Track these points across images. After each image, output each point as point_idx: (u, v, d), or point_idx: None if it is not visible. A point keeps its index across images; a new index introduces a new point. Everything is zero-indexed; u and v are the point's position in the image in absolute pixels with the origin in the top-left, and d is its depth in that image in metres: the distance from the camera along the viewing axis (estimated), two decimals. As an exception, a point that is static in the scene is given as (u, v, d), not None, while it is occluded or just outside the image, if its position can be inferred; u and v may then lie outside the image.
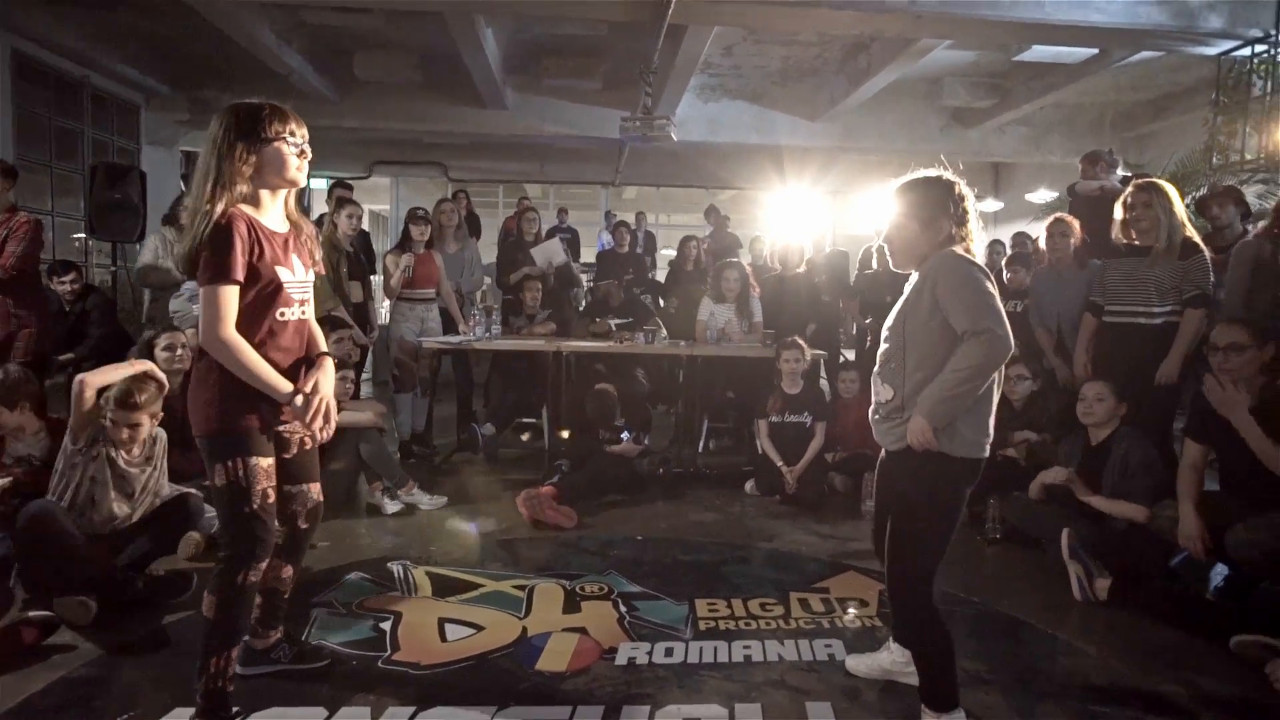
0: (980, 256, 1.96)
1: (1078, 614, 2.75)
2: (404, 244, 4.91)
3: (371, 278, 5.41)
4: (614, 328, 5.15)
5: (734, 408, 5.69)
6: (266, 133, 1.84)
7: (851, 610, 2.75)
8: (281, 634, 2.23)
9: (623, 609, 2.72)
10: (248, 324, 1.85)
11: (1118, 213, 3.63)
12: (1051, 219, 4.25)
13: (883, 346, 2.02)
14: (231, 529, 1.91)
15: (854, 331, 7.53)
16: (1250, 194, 4.98)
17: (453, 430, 5.26)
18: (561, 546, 3.40)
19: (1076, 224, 4.17)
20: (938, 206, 1.90)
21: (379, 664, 2.33)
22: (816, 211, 10.29)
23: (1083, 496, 3.17)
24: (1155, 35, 6.25)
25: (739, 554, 3.35)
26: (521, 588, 2.88)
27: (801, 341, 4.44)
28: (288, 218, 1.99)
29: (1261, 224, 3.76)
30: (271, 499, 1.92)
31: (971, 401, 1.83)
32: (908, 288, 1.98)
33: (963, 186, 1.94)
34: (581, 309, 6.61)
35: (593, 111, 9.44)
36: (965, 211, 1.92)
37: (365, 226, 5.96)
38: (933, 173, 1.96)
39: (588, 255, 9.46)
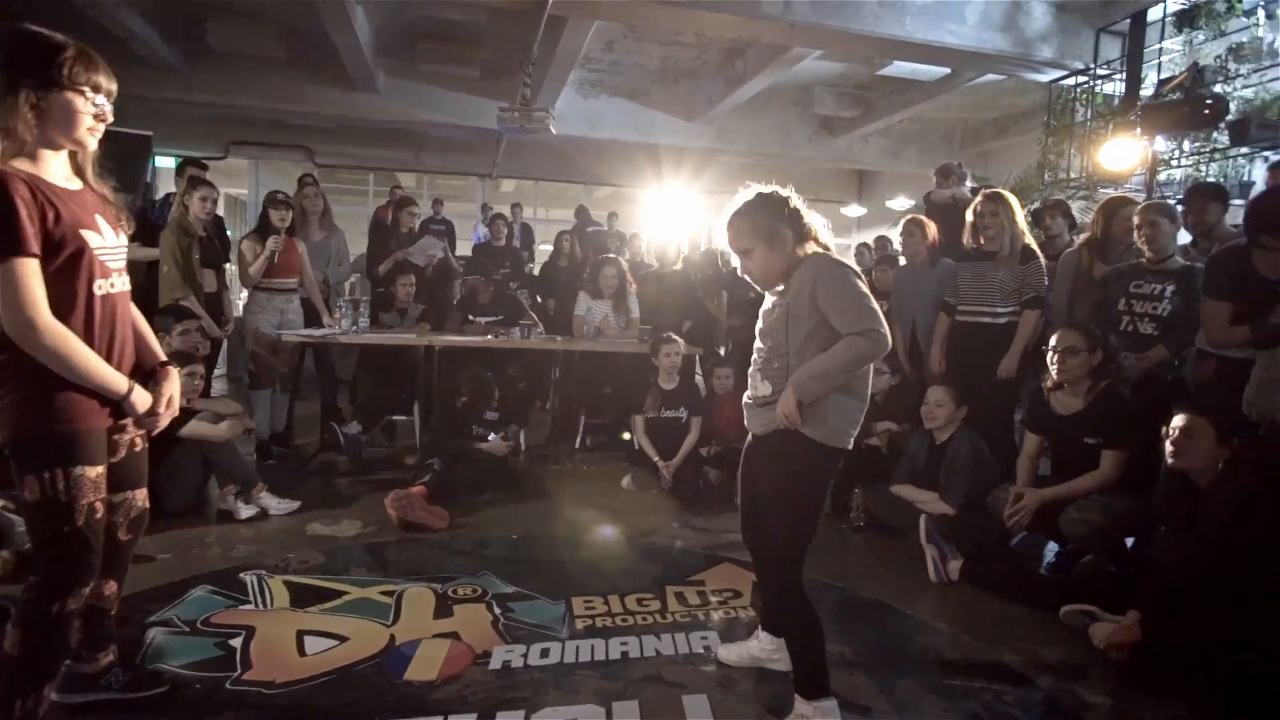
0: (833, 245, 2.04)
1: (933, 594, 2.94)
2: (262, 230, 4.56)
3: (226, 266, 4.99)
4: (485, 325, 5.02)
5: (611, 403, 5.71)
6: (61, 77, 1.54)
7: (725, 601, 2.80)
8: (113, 657, 1.99)
9: (497, 611, 2.64)
10: (56, 304, 1.56)
11: (968, 219, 3.92)
12: (907, 219, 4.52)
13: (760, 345, 2.06)
14: (48, 551, 1.64)
15: (724, 329, 7.75)
16: (1075, 208, 5.51)
17: (317, 430, 4.96)
18: (433, 548, 3.26)
19: (930, 223, 4.45)
20: (771, 221, 1.95)
21: (227, 685, 2.13)
22: (692, 211, 10.46)
23: (894, 489, 3.48)
24: (998, 60, 6.80)
25: (616, 550, 3.35)
26: (390, 593, 2.74)
27: (678, 337, 4.49)
28: (78, 176, 1.69)
29: (1082, 236, 4.15)
30: (100, 514, 1.66)
31: (838, 383, 1.90)
32: (781, 294, 2.02)
33: (779, 190, 2.01)
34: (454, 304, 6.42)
35: (470, 100, 9.18)
36: (796, 210, 1.98)
37: (220, 211, 5.52)
38: (745, 195, 2.02)
39: (464, 249, 9.20)
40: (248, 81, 8.63)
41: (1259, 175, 6.11)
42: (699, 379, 5.50)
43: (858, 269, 1.96)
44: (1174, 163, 6.05)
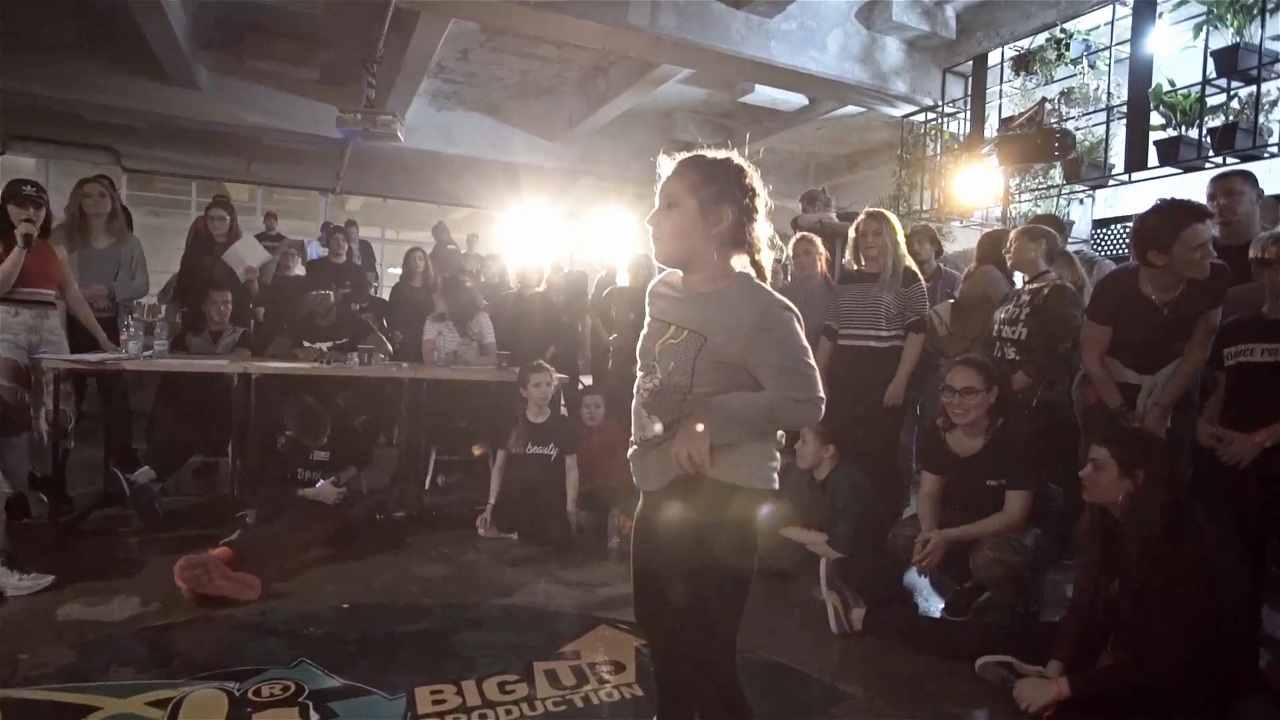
0: (768, 269, 1.63)
1: (837, 649, 2.62)
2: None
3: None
4: (325, 350, 4.33)
5: (466, 438, 5.13)
6: None
7: (605, 679, 2.34)
8: None
9: (314, 716, 2.04)
10: None
11: (850, 238, 3.76)
12: (797, 237, 4.34)
13: (648, 374, 1.62)
14: None
15: (589, 354, 7.36)
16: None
17: (100, 477, 4.04)
18: (236, 630, 2.58)
19: (820, 241, 4.28)
20: (723, 189, 1.53)
21: None
22: (554, 232, 10.08)
23: (782, 531, 3.19)
24: (857, 90, 6.93)
25: (472, 616, 2.80)
26: (162, 703, 2.06)
27: (548, 365, 4.04)
28: None
29: (970, 266, 4.12)
30: None
31: (754, 434, 1.52)
32: (691, 304, 1.60)
33: (756, 178, 1.61)
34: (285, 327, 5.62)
35: (309, 105, 8.33)
36: (754, 208, 1.57)
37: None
38: (722, 153, 1.61)
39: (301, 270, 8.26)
40: (33, 66, 7.30)
41: (1079, 214, 6.57)
42: (563, 409, 5.05)
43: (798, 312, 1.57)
44: (1018, 199, 6.34)
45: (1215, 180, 3.28)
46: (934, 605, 3.09)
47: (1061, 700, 2.05)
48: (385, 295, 7.93)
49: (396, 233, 13.00)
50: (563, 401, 5.06)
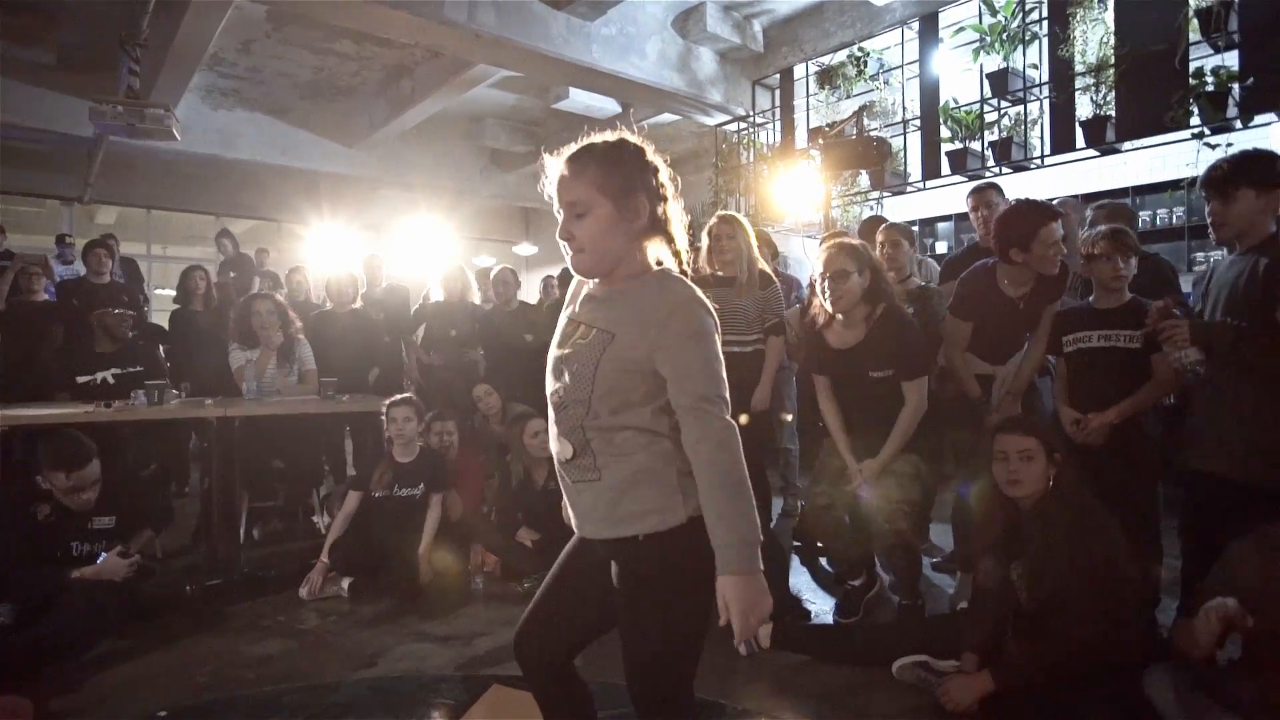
0: (685, 255, 1.45)
1: (751, 672, 2.49)
2: None
3: None
4: (112, 380, 3.55)
5: (283, 480, 4.48)
6: None
7: (515, 749, 2.03)
8: None
9: None
10: None
11: (704, 243, 3.69)
12: None
13: (557, 382, 1.38)
14: None
15: (416, 376, 6.81)
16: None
17: None
18: (5, 773, 1.94)
19: None
20: (630, 177, 1.34)
21: None
22: (358, 246, 9.25)
23: None
24: (674, 98, 7.02)
25: (335, 700, 2.33)
26: None
27: (413, 396, 3.57)
28: None
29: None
30: None
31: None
32: (598, 304, 1.39)
33: (654, 154, 1.42)
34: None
35: (45, 96, 6.97)
36: (663, 187, 1.39)
37: None
38: (612, 136, 1.40)
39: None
40: None
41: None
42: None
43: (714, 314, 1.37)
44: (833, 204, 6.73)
45: (973, 193, 3.67)
46: (823, 607, 3.07)
47: (986, 694, 2.06)
48: (157, 319, 6.81)
49: (163, 249, 11.33)
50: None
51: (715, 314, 1.35)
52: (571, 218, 1.34)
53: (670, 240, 1.40)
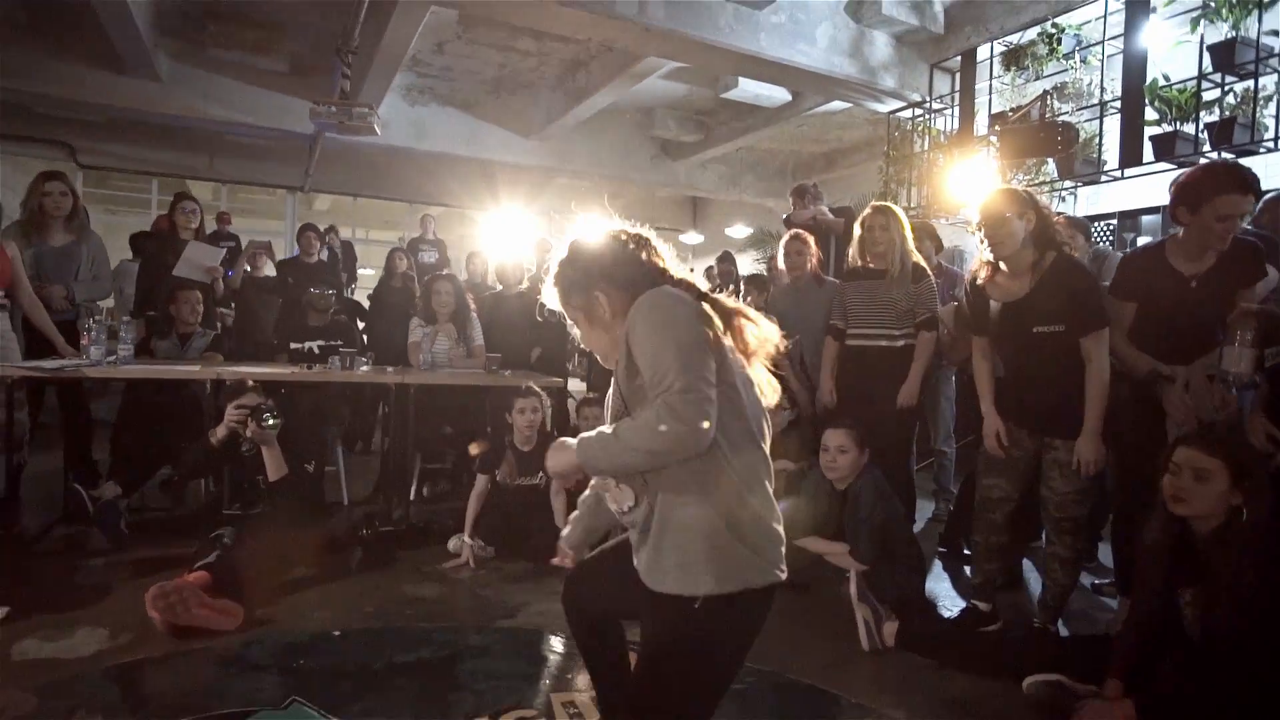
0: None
1: (870, 667, 2.46)
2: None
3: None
4: (316, 350, 4.08)
5: (452, 445, 4.90)
6: None
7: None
8: None
9: (313, 765, 1.83)
10: None
11: (855, 234, 3.62)
12: (789, 235, 4.18)
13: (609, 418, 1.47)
14: None
15: (578, 357, 7.16)
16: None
17: (59, 493, 3.73)
18: (218, 665, 2.33)
19: (813, 239, 4.14)
20: (582, 280, 1.43)
21: None
22: (531, 232, 9.82)
23: (799, 542, 3.00)
24: (845, 85, 6.82)
25: (476, 642, 2.58)
26: (139, 756, 1.83)
27: (538, 388, 3.68)
28: None
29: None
30: None
31: (633, 464, 1.30)
32: None
33: (614, 228, 1.47)
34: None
35: (275, 99, 7.99)
36: (620, 243, 1.44)
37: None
38: (560, 254, 1.48)
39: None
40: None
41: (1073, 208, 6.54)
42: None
43: (705, 303, 1.36)
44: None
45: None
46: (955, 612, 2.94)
47: (1128, 723, 1.92)
48: (359, 298, 7.65)
49: (366, 232, 12.65)
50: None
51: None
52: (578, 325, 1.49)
53: (662, 276, 1.41)
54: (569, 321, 1.51)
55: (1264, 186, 2.50)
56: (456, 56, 7.74)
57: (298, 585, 3.00)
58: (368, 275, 10.13)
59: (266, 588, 2.86)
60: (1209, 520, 1.95)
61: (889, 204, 3.64)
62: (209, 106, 7.85)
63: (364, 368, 4.12)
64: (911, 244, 3.56)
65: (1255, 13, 4.74)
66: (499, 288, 5.59)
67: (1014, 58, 6.30)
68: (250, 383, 3.36)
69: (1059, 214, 3.63)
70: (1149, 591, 2.07)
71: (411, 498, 4.32)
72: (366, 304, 6.63)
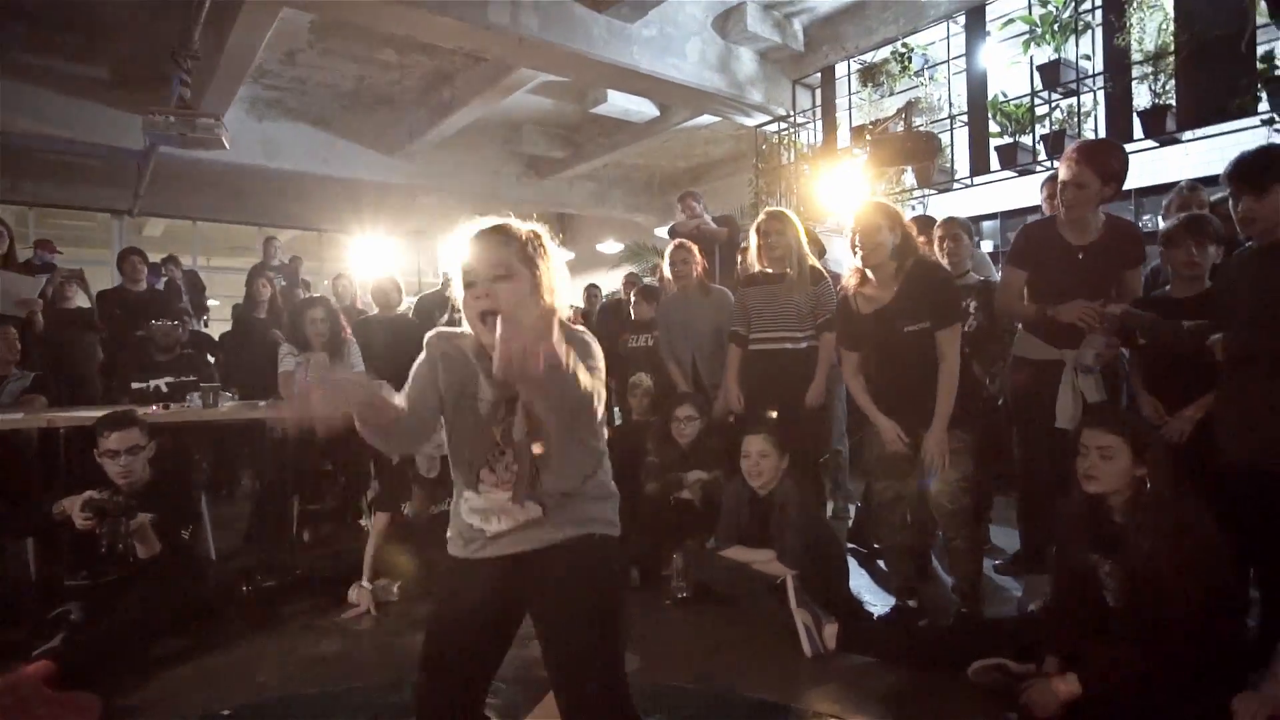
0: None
1: (815, 672, 2.41)
2: None
3: None
4: (165, 388, 3.60)
5: (333, 483, 4.50)
6: None
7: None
8: None
9: None
10: None
11: (752, 240, 3.63)
12: (674, 245, 4.17)
13: None
14: None
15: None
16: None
17: None
18: (75, 769, 1.94)
19: (696, 249, 4.16)
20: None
21: None
22: (400, 253, 9.36)
23: (723, 553, 3.00)
24: (714, 99, 6.98)
25: (395, 700, 2.30)
26: None
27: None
28: None
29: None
30: None
31: None
32: None
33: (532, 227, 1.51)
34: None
35: (98, 111, 7.18)
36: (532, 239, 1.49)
37: None
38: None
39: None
40: None
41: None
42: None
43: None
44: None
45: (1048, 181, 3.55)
46: (885, 609, 2.97)
47: (1072, 699, 1.96)
48: (208, 330, 6.94)
49: (208, 260, 11.59)
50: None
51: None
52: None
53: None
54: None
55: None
56: (310, 68, 7.26)
57: (168, 663, 2.58)
58: (212, 305, 9.26)
59: (129, 671, 2.44)
60: (1120, 494, 2.06)
61: (784, 209, 3.68)
62: (16, 118, 6.90)
63: (228, 403, 3.68)
64: (807, 248, 3.62)
65: (1072, 37, 5.27)
66: (374, 310, 5.22)
67: (870, 75, 6.68)
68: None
69: (949, 216, 3.83)
70: (1071, 566, 2.15)
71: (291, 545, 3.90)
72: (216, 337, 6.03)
